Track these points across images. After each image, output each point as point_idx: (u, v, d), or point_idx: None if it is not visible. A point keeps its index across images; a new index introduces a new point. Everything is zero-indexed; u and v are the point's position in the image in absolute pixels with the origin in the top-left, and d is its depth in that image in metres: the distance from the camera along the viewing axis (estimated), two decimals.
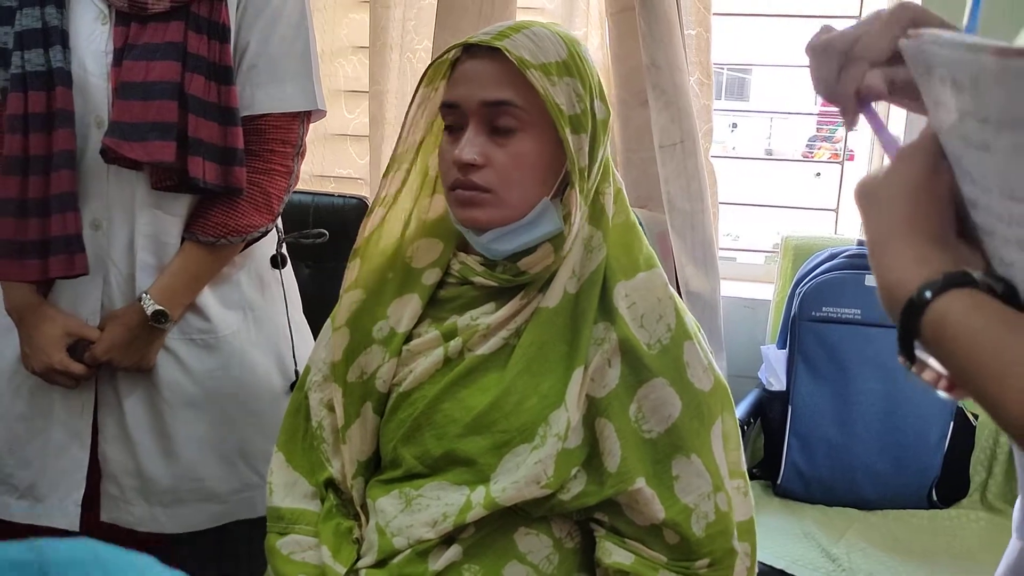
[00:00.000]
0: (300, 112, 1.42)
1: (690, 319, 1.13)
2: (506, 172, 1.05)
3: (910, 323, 0.56)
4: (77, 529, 1.39)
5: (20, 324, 1.37)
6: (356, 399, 1.15)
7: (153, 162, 1.28)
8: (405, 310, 1.14)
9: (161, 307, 1.35)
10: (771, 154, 11.44)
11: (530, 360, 1.08)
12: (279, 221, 1.52)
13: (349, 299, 1.17)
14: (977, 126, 0.53)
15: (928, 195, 0.60)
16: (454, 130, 1.08)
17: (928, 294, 0.55)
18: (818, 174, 8.94)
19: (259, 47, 1.38)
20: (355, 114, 2.38)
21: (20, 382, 1.39)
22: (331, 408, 1.17)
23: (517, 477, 1.04)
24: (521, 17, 2.15)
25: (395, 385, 1.13)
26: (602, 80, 1.11)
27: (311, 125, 1.49)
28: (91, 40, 1.33)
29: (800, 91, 3.70)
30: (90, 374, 1.37)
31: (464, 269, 1.13)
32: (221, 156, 1.33)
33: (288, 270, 1.56)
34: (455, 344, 1.10)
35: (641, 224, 1.19)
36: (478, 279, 1.11)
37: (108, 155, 1.28)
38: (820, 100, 0.74)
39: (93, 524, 1.40)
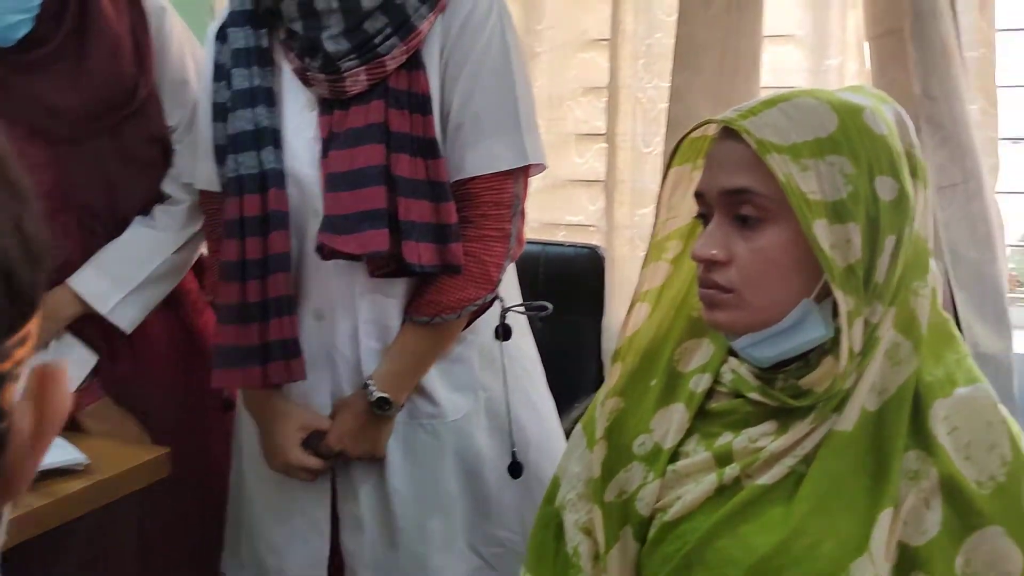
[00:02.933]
0: (514, 169, 1.30)
1: None
2: (750, 270, 0.90)
3: None
4: None
5: (257, 421, 1.35)
6: (615, 522, 1.01)
7: (368, 253, 1.21)
8: (671, 423, 1.00)
9: (384, 394, 1.29)
10: None
11: (824, 495, 0.90)
12: (510, 287, 1.42)
13: (608, 407, 1.04)
14: None
15: None
16: (705, 219, 0.94)
17: None
18: None
19: (463, 105, 1.28)
20: (585, 158, 2.26)
21: (264, 469, 1.37)
22: (588, 532, 1.04)
23: None
24: (771, 48, 1.95)
25: (659, 511, 0.99)
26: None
27: (539, 173, 1.38)
28: (302, 129, 1.30)
29: None
30: (327, 466, 1.33)
31: (737, 381, 0.97)
32: (435, 235, 1.25)
33: (518, 339, 1.44)
34: (731, 471, 0.94)
35: None
36: (754, 395, 0.95)
37: (323, 251, 1.23)
38: None
39: None
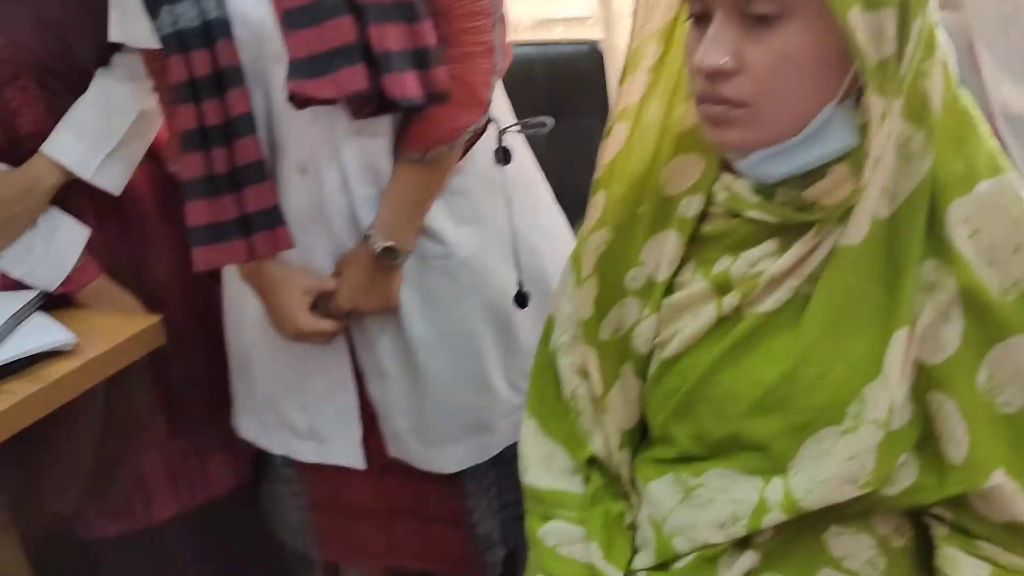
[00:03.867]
0: None
1: None
2: (767, 77, 0.77)
3: None
4: (363, 467, 1.34)
5: (259, 293, 1.27)
6: (613, 360, 0.96)
7: (346, 95, 1.09)
8: (663, 252, 0.91)
9: (388, 243, 1.20)
10: None
11: (832, 317, 0.82)
12: (501, 105, 1.31)
13: (594, 241, 0.95)
14: None
15: None
16: (700, 21, 0.80)
17: None
18: None
19: None
20: None
21: (272, 337, 1.31)
22: (585, 374, 0.98)
23: (825, 475, 0.81)
24: None
25: (657, 347, 0.92)
26: None
27: None
28: None
29: None
30: (341, 326, 1.27)
31: (732, 200, 0.87)
32: (415, 62, 1.12)
33: (518, 159, 1.35)
34: (730, 300, 0.86)
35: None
36: (752, 213, 0.85)
37: (296, 100, 1.11)
38: None
39: (385, 459, 1.35)
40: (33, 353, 1.20)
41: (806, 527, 0.85)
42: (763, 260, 0.85)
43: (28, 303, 1.30)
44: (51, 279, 1.36)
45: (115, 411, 1.49)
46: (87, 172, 1.36)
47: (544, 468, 1.01)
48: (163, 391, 1.54)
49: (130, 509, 1.53)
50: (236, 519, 1.68)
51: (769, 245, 0.86)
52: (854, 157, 0.79)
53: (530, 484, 1.01)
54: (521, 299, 1.30)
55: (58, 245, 1.37)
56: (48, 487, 1.47)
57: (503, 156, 1.28)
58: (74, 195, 1.40)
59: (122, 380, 1.36)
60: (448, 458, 1.33)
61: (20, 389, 1.16)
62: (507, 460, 1.37)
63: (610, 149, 0.94)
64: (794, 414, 0.83)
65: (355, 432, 1.33)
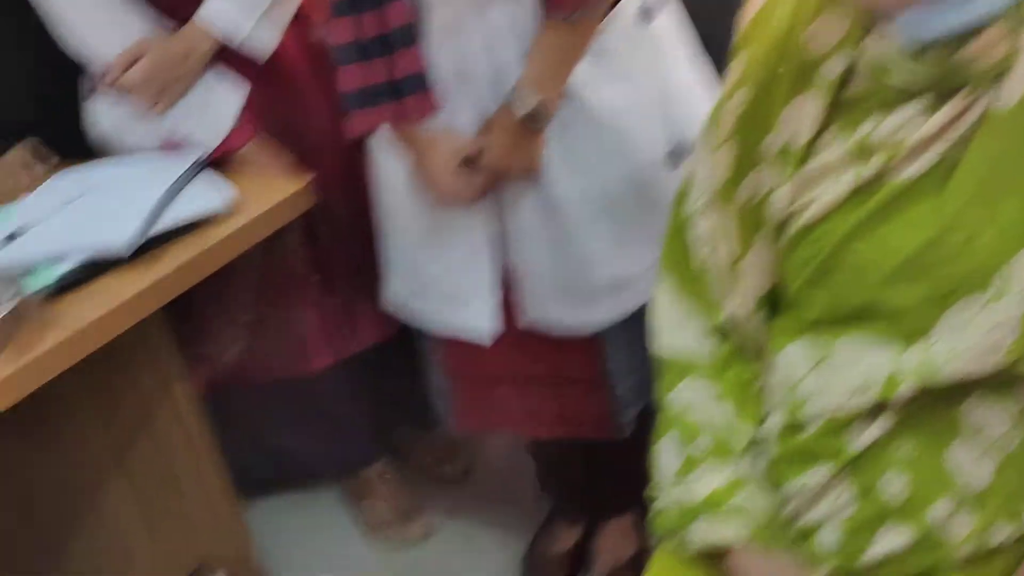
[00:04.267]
0: None
1: None
2: None
3: None
4: (499, 331, 1.39)
5: (407, 155, 1.30)
6: (748, 226, 0.95)
7: None
8: (803, 116, 0.88)
9: (533, 103, 1.21)
10: None
11: (982, 182, 0.78)
12: None
13: (733, 103, 0.93)
14: None
15: None
16: None
17: None
18: None
19: None
20: None
21: (417, 202, 1.36)
22: (719, 239, 0.98)
23: (965, 344, 0.80)
24: None
25: (794, 213, 0.91)
26: None
27: None
28: None
29: None
30: (488, 187, 1.29)
31: (879, 60, 0.83)
32: None
33: (663, 18, 1.32)
34: (871, 166, 0.83)
35: None
36: (899, 75, 0.81)
37: None
38: None
39: (524, 325, 1.40)
40: (193, 220, 1.28)
41: (941, 397, 0.84)
42: (908, 125, 0.82)
43: (190, 167, 1.38)
44: (210, 140, 1.44)
45: (272, 269, 1.59)
46: (239, 35, 1.41)
47: (677, 331, 1.03)
48: (316, 250, 1.62)
49: (290, 359, 1.66)
50: (386, 368, 1.78)
51: (915, 109, 0.82)
52: (1012, 15, 0.74)
53: (663, 345, 1.04)
54: (675, 156, 1.29)
55: (216, 107, 1.44)
56: (215, 339, 1.60)
57: (647, 14, 1.25)
58: (228, 60, 1.45)
59: (278, 240, 1.45)
60: (590, 317, 1.36)
61: (183, 252, 1.25)
62: (637, 320, 1.40)
63: (753, 7, 0.91)
64: (937, 282, 0.81)
65: (492, 299, 1.37)
